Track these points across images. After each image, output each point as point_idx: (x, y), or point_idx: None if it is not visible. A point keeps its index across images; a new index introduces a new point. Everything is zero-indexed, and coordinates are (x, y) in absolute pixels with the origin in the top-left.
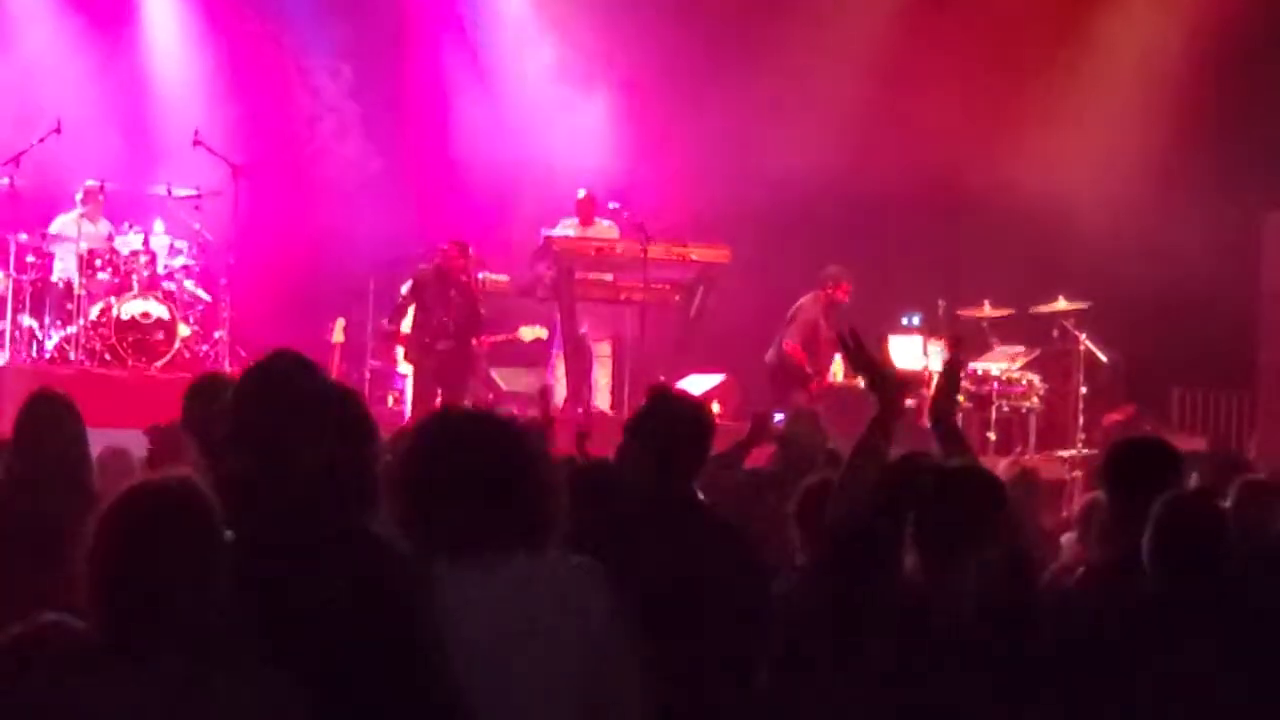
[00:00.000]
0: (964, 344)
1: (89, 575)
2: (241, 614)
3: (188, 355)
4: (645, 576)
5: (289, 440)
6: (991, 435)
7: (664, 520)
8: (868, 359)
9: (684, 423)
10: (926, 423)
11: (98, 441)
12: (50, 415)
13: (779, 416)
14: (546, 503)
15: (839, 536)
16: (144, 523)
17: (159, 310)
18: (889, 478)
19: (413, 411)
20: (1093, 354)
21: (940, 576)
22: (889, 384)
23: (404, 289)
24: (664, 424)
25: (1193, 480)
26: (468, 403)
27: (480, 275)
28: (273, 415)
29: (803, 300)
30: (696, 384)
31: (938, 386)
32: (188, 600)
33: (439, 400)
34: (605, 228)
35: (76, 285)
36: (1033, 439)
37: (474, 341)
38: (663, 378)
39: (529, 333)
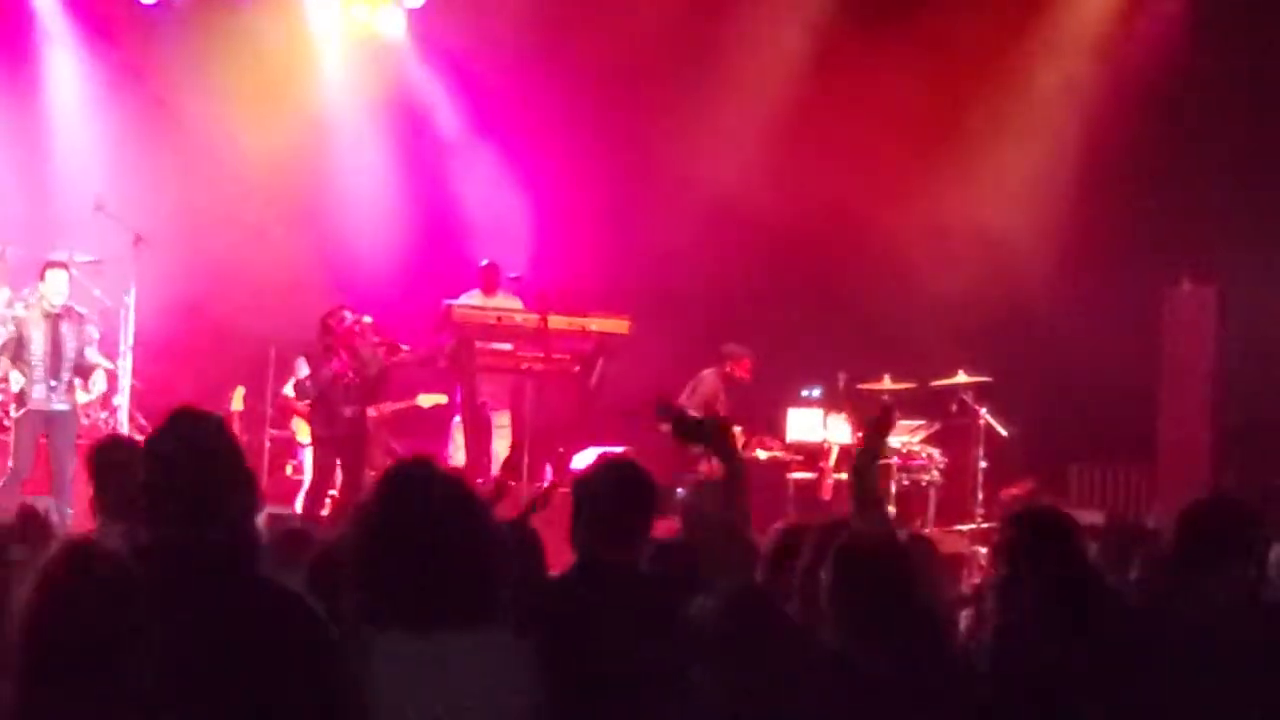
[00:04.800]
0: (889, 411)
1: (17, 638)
2: (165, 670)
3: (86, 421)
4: (589, 652)
5: (209, 496)
6: (891, 509)
7: (608, 590)
8: (688, 422)
9: (630, 488)
10: (825, 495)
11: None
12: None
13: (680, 490)
14: (493, 579)
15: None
16: (71, 587)
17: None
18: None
19: (312, 480)
20: (992, 428)
21: (859, 642)
22: (718, 432)
23: (298, 369)
24: (610, 490)
25: (1092, 551)
26: (369, 472)
27: (377, 342)
28: (190, 473)
29: (704, 373)
30: (595, 456)
31: (864, 439)
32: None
33: (338, 469)
34: (508, 299)
35: None
36: (932, 512)
37: (373, 409)
38: (562, 449)
39: (428, 400)
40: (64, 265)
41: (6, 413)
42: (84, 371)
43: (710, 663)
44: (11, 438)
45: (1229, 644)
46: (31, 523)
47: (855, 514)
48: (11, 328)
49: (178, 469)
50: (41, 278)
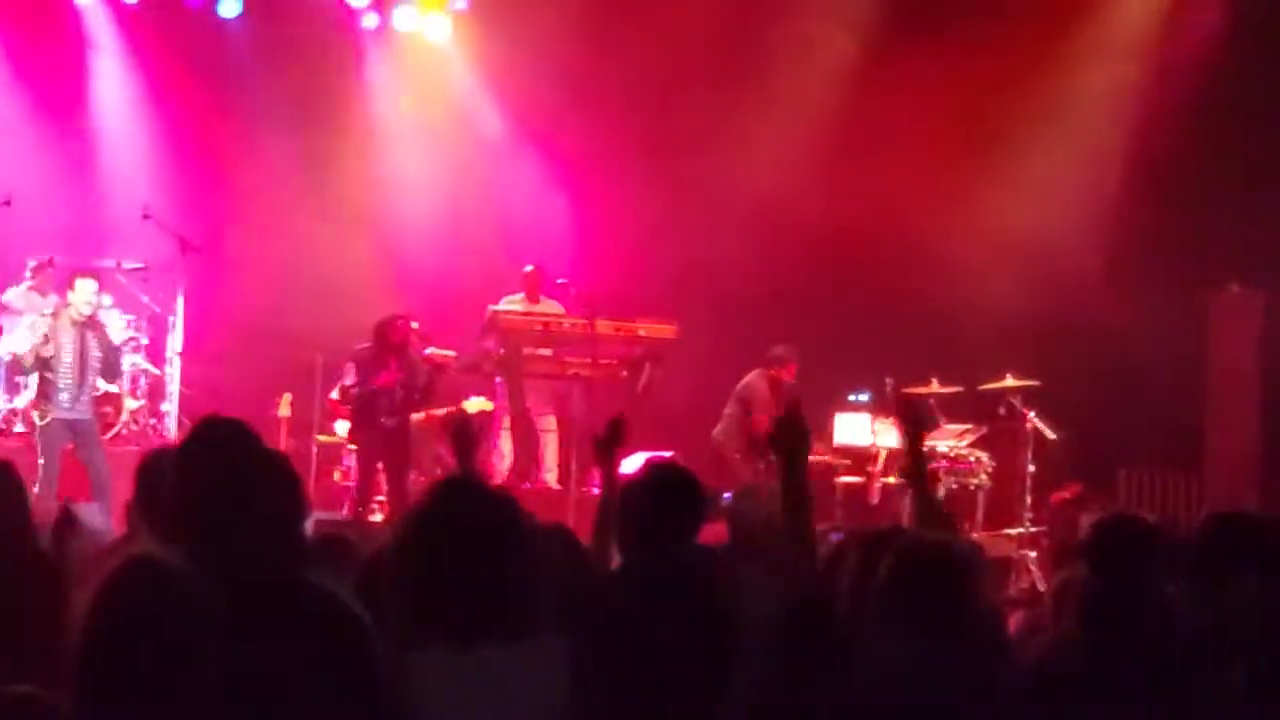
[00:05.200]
0: (918, 414)
1: (77, 654)
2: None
3: (135, 428)
4: (633, 657)
5: (240, 506)
6: None
7: (652, 593)
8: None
9: (676, 493)
10: (873, 499)
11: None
12: None
13: (727, 495)
14: (537, 593)
15: (790, 613)
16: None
17: (106, 384)
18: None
19: (357, 487)
20: (1040, 431)
21: (914, 656)
22: (801, 443)
23: (346, 374)
24: (656, 494)
25: None
26: (414, 476)
27: (427, 350)
28: (220, 480)
29: (750, 379)
30: (642, 461)
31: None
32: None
33: (382, 475)
34: (551, 304)
35: None
36: (980, 516)
37: (420, 416)
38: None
39: (474, 405)
40: (94, 274)
41: (29, 423)
42: (111, 375)
43: (761, 668)
44: (40, 447)
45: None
46: (64, 524)
47: (916, 521)
48: (39, 340)
49: (207, 476)
50: (71, 286)
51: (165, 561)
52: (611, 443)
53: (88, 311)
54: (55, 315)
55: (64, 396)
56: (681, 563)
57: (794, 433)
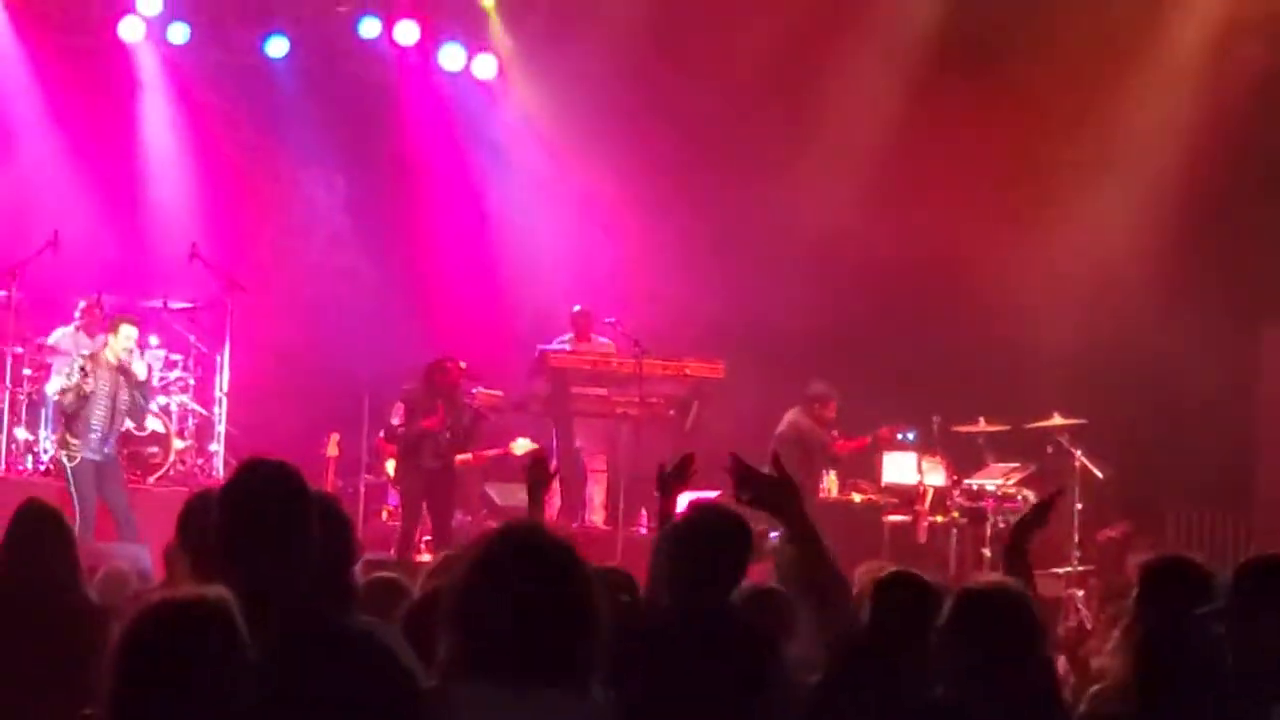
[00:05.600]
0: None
1: (110, 687)
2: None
3: (182, 468)
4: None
5: (282, 548)
6: (986, 551)
7: (700, 635)
8: (758, 481)
9: (723, 534)
10: (921, 538)
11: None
12: (38, 527)
13: (774, 535)
14: (590, 639)
15: (836, 656)
16: (171, 638)
17: (153, 424)
18: (879, 594)
19: (403, 527)
20: (1088, 470)
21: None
22: (786, 495)
23: (395, 414)
24: (703, 536)
25: None
26: (460, 516)
27: (475, 389)
28: (266, 521)
29: (793, 419)
30: (689, 501)
31: (1027, 514)
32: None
33: (427, 516)
34: (601, 344)
35: None
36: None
37: (467, 456)
38: (658, 494)
39: (522, 447)
40: (137, 319)
41: (57, 465)
42: (138, 416)
43: (813, 713)
44: (74, 488)
45: None
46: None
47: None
48: (79, 376)
49: (249, 518)
50: (114, 330)
51: (195, 602)
52: (677, 479)
53: (126, 358)
54: (93, 357)
55: (94, 438)
56: (730, 603)
57: (782, 488)
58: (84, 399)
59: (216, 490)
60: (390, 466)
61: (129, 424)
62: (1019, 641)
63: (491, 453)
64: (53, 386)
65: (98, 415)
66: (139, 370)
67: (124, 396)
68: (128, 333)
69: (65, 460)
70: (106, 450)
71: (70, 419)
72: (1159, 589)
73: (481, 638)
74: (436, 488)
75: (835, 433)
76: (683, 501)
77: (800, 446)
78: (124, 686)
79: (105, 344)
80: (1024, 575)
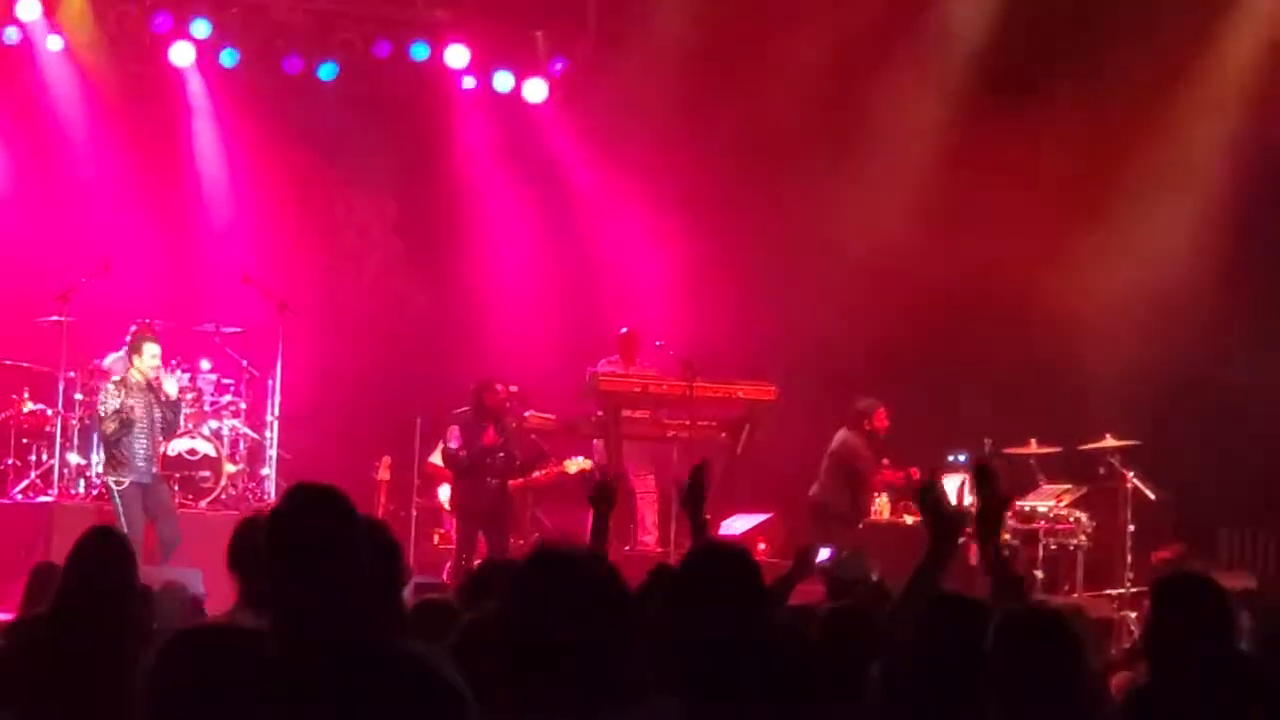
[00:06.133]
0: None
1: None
2: None
3: (234, 492)
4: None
5: (329, 572)
6: (1039, 573)
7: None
8: (935, 499)
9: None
10: (972, 561)
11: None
12: (102, 553)
13: (825, 553)
14: (637, 662)
15: (890, 678)
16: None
17: (205, 448)
18: (933, 618)
19: (457, 550)
20: (1141, 491)
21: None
22: (951, 526)
23: (450, 438)
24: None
25: (1244, 620)
26: (514, 541)
27: (526, 413)
28: (313, 548)
29: (844, 438)
30: (741, 523)
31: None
32: None
33: (482, 539)
34: (646, 366)
35: None
36: (1080, 577)
37: (520, 479)
38: (709, 516)
39: (574, 465)
40: (157, 336)
41: (104, 488)
42: (170, 431)
43: None
44: (120, 511)
45: None
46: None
47: (993, 592)
48: (115, 403)
49: (298, 542)
50: (138, 350)
51: (229, 628)
52: (697, 492)
53: (153, 375)
54: (123, 381)
55: (140, 463)
56: (772, 625)
57: (951, 526)
58: (127, 425)
59: (264, 516)
60: (444, 492)
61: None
62: (1060, 662)
63: (544, 474)
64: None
65: (140, 439)
66: (170, 388)
67: (158, 413)
68: (151, 350)
69: (113, 484)
70: (155, 471)
71: (113, 444)
72: (1169, 603)
73: (524, 662)
74: (494, 509)
75: (886, 460)
76: (735, 524)
77: (852, 465)
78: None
79: (130, 365)
80: (1014, 588)
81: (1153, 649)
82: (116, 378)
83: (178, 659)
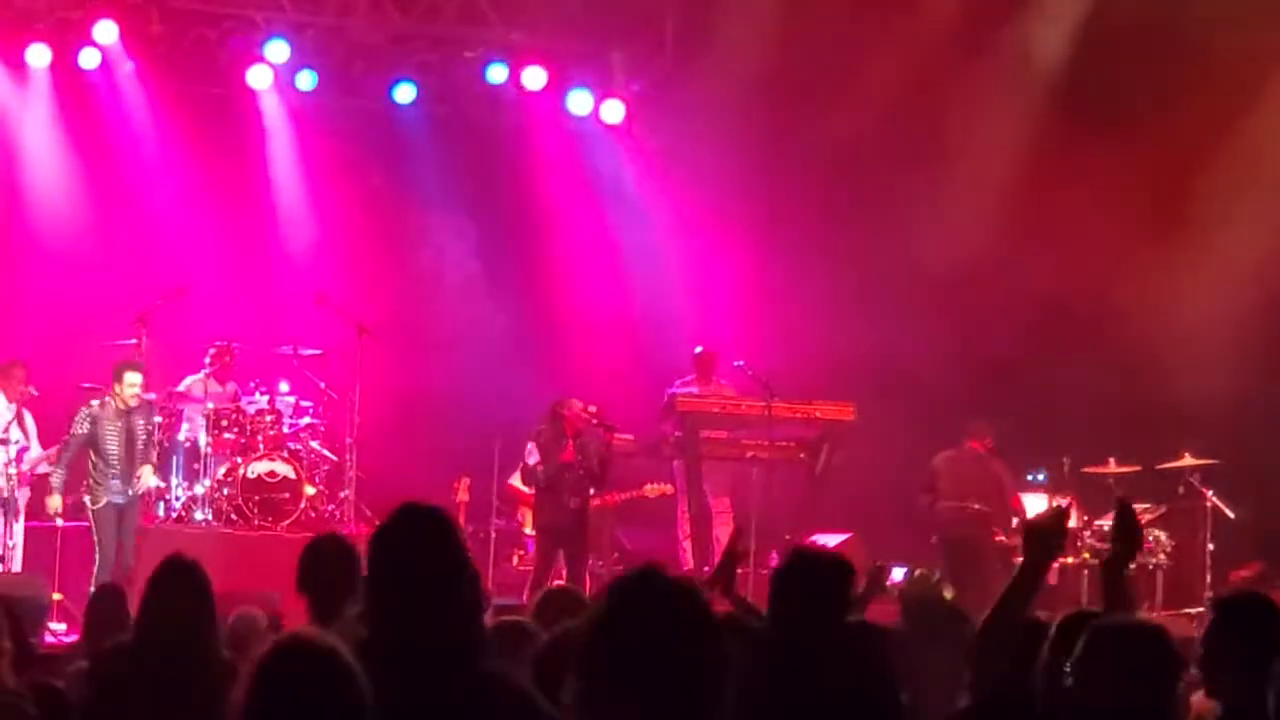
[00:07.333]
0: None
1: None
2: None
3: (313, 514)
4: None
5: (435, 590)
6: None
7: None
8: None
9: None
10: (1052, 580)
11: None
12: (179, 584)
13: (899, 573)
14: (718, 687)
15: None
16: (290, 687)
17: (285, 470)
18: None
19: (535, 571)
20: (1220, 510)
21: None
22: (1047, 546)
23: (529, 455)
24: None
25: None
26: (594, 562)
27: (600, 429)
28: (417, 568)
29: (962, 458)
30: (820, 543)
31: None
32: None
33: (561, 561)
34: (722, 385)
35: (203, 445)
36: (1160, 596)
37: (602, 497)
38: (788, 536)
39: (654, 490)
40: (139, 365)
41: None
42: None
43: None
44: (95, 531)
45: None
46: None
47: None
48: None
49: (404, 563)
50: (119, 379)
51: (320, 644)
52: (729, 561)
53: (133, 403)
54: (102, 406)
55: (115, 483)
56: (838, 640)
57: (1045, 545)
58: (81, 448)
59: (332, 535)
60: (525, 514)
61: (156, 480)
62: (1156, 676)
63: (623, 496)
64: (184, 434)
65: (112, 462)
66: (146, 416)
67: (140, 436)
68: (131, 379)
69: (88, 503)
70: (128, 494)
71: (92, 464)
72: (1229, 622)
73: (604, 686)
74: (574, 529)
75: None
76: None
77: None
78: None
79: (114, 395)
80: (1125, 605)
81: (1209, 667)
82: (96, 402)
83: (277, 678)
